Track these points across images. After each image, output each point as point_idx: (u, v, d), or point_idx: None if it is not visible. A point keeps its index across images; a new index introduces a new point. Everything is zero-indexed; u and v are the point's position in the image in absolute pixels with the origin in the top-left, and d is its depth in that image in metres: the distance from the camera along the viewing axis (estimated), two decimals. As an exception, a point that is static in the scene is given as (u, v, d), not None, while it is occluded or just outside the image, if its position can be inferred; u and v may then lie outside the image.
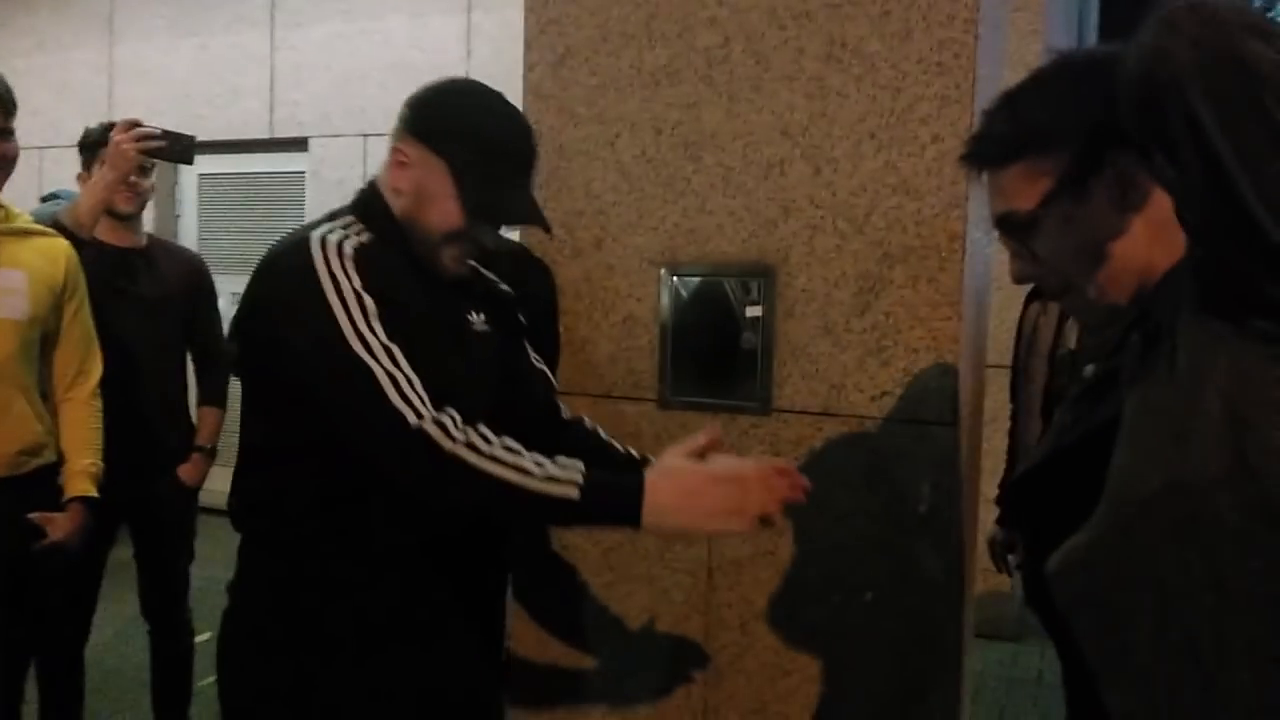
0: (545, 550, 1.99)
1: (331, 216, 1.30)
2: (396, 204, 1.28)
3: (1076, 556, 0.94)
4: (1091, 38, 6.95)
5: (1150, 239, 0.94)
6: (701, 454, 1.22)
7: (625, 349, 1.94)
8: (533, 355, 1.49)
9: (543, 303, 1.99)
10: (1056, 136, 0.95)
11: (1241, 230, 0.76)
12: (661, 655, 1.92)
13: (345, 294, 1.15)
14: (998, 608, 4.04)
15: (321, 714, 1.29)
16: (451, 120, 1.28)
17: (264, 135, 5.43)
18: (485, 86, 1.33)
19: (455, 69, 4.83)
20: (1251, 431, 0.81)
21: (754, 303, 1.82)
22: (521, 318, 1.50)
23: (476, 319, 1.37)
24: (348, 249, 1.19)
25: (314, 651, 1.29)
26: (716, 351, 1.85)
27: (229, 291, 5.20)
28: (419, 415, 1.12)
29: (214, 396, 2.79)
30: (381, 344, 1.15)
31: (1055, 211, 0.96)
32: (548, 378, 1.49)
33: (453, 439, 1.13)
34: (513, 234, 2.17)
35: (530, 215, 1.33)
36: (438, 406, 1.15)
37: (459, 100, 1.31)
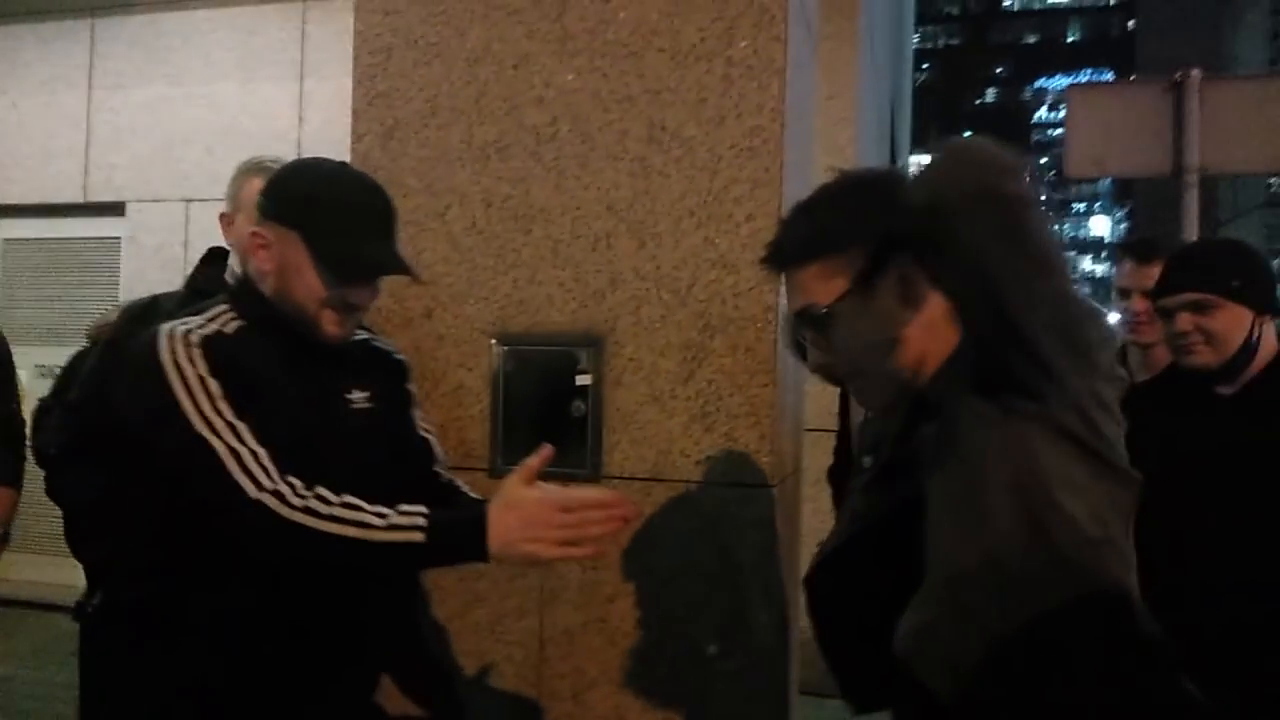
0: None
1: (199, 310, 1.36)
2: (266, 286, 1.35)
3: (922, 636, 1.05)
4: (905, 126, 7.56)
5: (925, 333, 1.07)
6: (534, 475, 1.25)
7: (456, 418, 1.94)
8: (420, 425, 1.55)
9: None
10: (847, 240, 1.07)
11: (1006, 332, 0.94)
12: (494, 731, 1.88)
13: (189, 379, 1.24)
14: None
15: None
16: (297, 193, 1.34)
17: (78, 199, 5.14)
18: (331, 160, 1.40)
19: (287, 136, 4.73)
20: (1030, 493, 0.97)
21: (583, 371, 1.86)
22: (410, 388, 1.55)
23: (358, 396, 1.42)
24: (194, 338, 1.27)
25: None
26: (547, 419, 1.87)
27: (33, 364, 4.87)
28: (259, 486, 1.20)
29: (8, 476, 2.57)
30: (225, 422, 1.22)
31: (848, 306, 1.08)
32: (430, 446, 1.55)
33: (290, 505, 1.19)
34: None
35: (392, 264, 1.36)
36: (282, 477, 1.21)
37: (301, 175, 1.38)
